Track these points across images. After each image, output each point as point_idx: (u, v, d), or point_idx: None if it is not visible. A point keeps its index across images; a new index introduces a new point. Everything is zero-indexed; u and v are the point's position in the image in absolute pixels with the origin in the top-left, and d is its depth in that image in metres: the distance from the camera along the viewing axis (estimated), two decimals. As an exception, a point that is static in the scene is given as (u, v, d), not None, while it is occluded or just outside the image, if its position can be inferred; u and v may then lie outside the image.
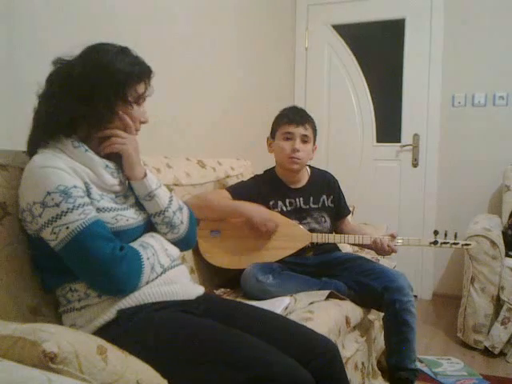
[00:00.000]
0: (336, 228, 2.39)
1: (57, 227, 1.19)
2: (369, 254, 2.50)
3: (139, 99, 1.36)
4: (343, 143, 4.04)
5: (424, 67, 3.80)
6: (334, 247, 2.31)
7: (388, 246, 2.10)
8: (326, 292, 1.97)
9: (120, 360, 0.95)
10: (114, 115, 1.32)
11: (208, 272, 2.17)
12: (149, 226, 1.43)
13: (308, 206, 2.25)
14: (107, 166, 1.34)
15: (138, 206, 1.42)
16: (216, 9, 2.96)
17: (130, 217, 1.35)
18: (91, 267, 1.22)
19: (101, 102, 1.28)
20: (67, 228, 1.19)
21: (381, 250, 2.13)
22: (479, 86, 3.65)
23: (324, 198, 2.30)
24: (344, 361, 1.55)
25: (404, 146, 3.91)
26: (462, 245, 2.14)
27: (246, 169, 2.75)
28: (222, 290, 2.11)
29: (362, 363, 2.10)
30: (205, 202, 2.10)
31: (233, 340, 1.22)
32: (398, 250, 2.17)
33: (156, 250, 1.36)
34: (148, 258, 1.31)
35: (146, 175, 1.40)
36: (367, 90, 4.01)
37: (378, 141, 4.03)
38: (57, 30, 1.87)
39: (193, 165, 2.35)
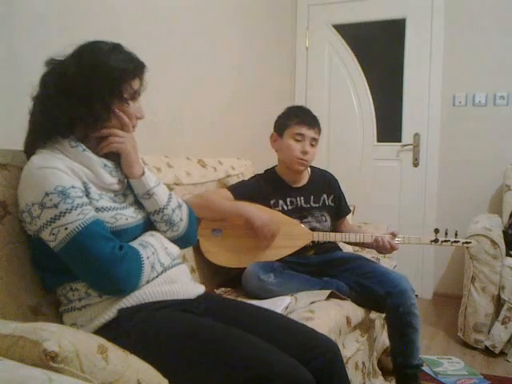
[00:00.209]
0: (335, 228, 2.39)
1: (56, 228, 1.19)
2: (369, 254, 2.50)
3: (135, 95, 1.36)
4: (344, 143, 4.04)
5: (425, 67, 3.80)
6: (335, 247, 2.31)
7: (389, 243, 2.10)
8: (327, 292, 1.97)
9: (121, 359, 0.95)
10: (110, 114, 1.32)
11: (209, 271, 2.17)
12: (148, 225, 1.43)
13: (309, 205, 2.25)
14: (105, 165, 1.33)
15: (138, 204, 1.42)
16: (216, 8, 2.96)
17: (129, 216, 1.35)
18: (91, 267, 1.22)
19: (97, 101, 1.28)
20: (66, 229, 1.19)
21: (382, 248, 2.12)
22: (480, 86, 3.65)
23: (325, 197, 2.30)
24: (344, 360, 1.54)
25: (404, 145, 3.91)
26: (463, 243, 2.14)
27: (246, 168, 2.75)
28: (223, 289, 2.11)
29: (363, 363, 2.10)
30: (206, 201, 2.10)
31: (233, 339, 1.22)
32: (399, 250, 2.17)
33: (156, 248, 1.36)
34: (148, 257, 1.31)
35: (144, 173, 1.40)
36: (368, 90, 4.01)
37: (379, 140, 4.02)
38: (57, 29, 1.87)
39: (193, 164, 2.35)
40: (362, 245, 2.25)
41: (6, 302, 1.26)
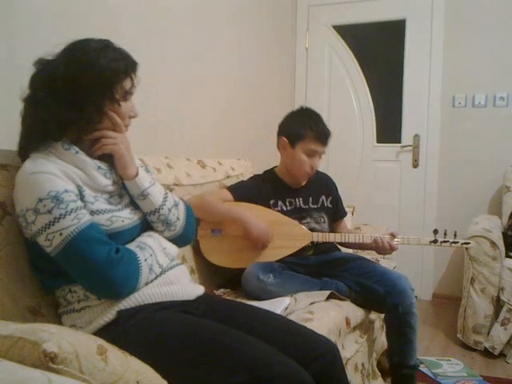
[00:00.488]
0: (333, 230, 2.39)
1: (50, 234, 1.18)
2: (369, 255, 2.50)
3: (126, 95, 1.34)
4: (343, 144, 4.03)
5: (424, 68, 3.81)
6: (334, 247, 2.31)
7: (388, 243, 2.10)
8: (327, 292, 1.97)
9: (120, 360, 0.95)
10: (102, 116, 1.30)
11: (208, 272, 2.16)
12: (146, 225, 1.42)
13: (307, 206, 2.25)
14: (99, 167, 1.32)
15: (134, 205, 1.41)
16: (216, 9, 2.96)
17: (125, 217, 1.34)
18: (87, 272, 1.22)
19: (88, 104, 1.26)
20: (61, 234, 1.18)
21: (381, 248, 2.12)
22: (480, 87, 3.65)
23: (323, 198, 2.30)
24: (344, 361, 1.55)
25: (404, 146, 3.91)
26: (462, 243, 2.14)
27: (246, 169, 2.74)
28: (222, 290, 2.11)
29: (362, 364, 2.10)
30: (204, 204, 2.09)
31: (233, 340, 1.22)
32: (398, 251, 2.17)
33: (154, 250, 1.35)
34: (146, 260, 1.30)
35: (138, 174, 1.38)
36: (367, 91, 4.02)
37: (379, 141, 4.03)
38: (57, 29, 1.87)
39: (193, 165, 2.35)
40: (362, 246, 2.25)
41: (5, 302, 1.25)
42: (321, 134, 2.17)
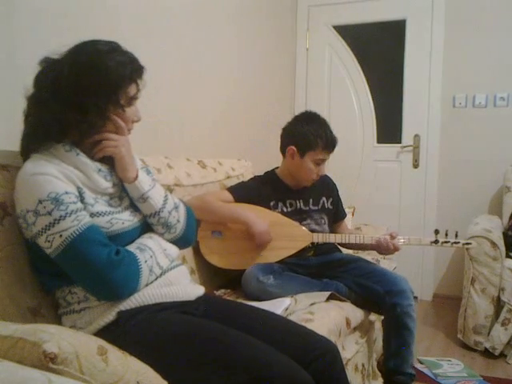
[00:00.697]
0: (333, 231, 2.39)
1: (50, 235, 1.18)
2: (369, 256, 2.50)
3: (131, 101, 1.33)
4: (344, 144, 3.97)
5: (425, 68, 3.80)
6: (334, 248, 2.31)
7: (392, 244, 2.10)
8: (327, 293, 1.97)
9: (120, 361, 0.95)
10: (105, 120, 1.29)
11: (208, 273, 2.16)
12: (146, 226, 1.42)
13: (308, 208, 2.25)
14: (100, 169, 1.32)
15: (134, 207, 1.40)
16: (216, 9, 2.96)
17: (125, 219, 1.34)
18: (88, 274, 1.21)
19: (91, 108, 1.25)
20: (61, 236, 1.18)
21: (385, 249, 2.12)
22: (480, 87, 3.65)
23: (324, 200, 2.30)
24: (344, 362, 1.55)
25: (405, 146, 3.91)
26: (463, 244, 2.14)
27: (246, 169, 2.74)
28: (223, 290, 2.11)
29: (363, 364, 2.10)
30: (204, 204, 2.09)
31: (233, 341, 1.22)
32: (399, 251, 2.17)
33: (154, 251, 1.34)
34: (146, 261, 1.30)
35: (137, 177, 1.37)
36: (368, 91, 4.01)
37: (379, 141, 4.03)
38: (57, 30, 1.87)
39: (193, 165, 2.35)
40: (363, 247, 2.25)
41: (5, 303, 1.25)
42: (330, 143, 2.16)
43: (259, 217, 2.09)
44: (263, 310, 1.51)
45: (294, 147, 2.18)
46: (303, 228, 2.17)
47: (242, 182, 2.36)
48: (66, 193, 1.21)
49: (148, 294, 1.30)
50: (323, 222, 2.26)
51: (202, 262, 2.13)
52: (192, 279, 1.53)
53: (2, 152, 1.38)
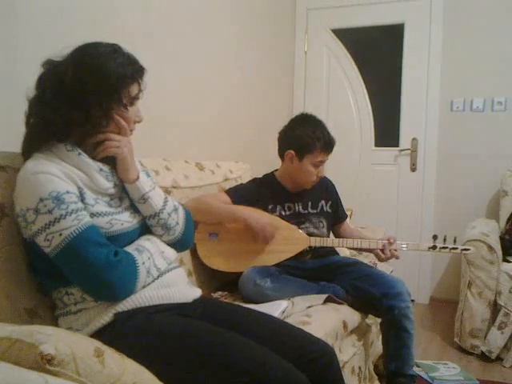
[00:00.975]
0: (335, 233, 2.39)
1: (50, 234, 1.19)
2: (366, 259, 2.51)
3: (133, 100, 1.34)
4: (342, 147, 4.01)
5: (423, 72, 3.82)
6: (331, 251, 2.31)
7: (389, 251, 2.10)
8: (324, 296, 1.97)
9: (117, 362, 0.95)
10: (108, 120, 1.30)
11: (206, 275, 2.16)
12: (145, 228, 1.42)
13: (306, 211, 2.25)
14: (101, 169, 1.32)
15: (134, 208, 1.41)
16: (216, 12, 2.96)
17: (124, 220, 1.34)
18: (85, 274, 1.22)
19: (94, 107, 1.26)
20: (60, 235, 1.18)
21: (381, 256, 2.12)
22: (478, 91, 3.66)
23: (323, 203, 2.30)
24: (341, 365, 1.55)
25: (402, 150, 3.92)
26: (461, 250, 2.14)
27: (244, 172, 2.74)
28: (220, 293, 2.11)
29: (359, 367, 2.10)
30: (203, 205, 2.10)
31: (230, 343, 1.22)
32: (398, 256, 2.17)
33: (152, 253, 1.35)
34: (143, 263, 1.30)
35: (138, 178, 1.38)
36: (366, 94, 4.02)
37: (377, 145, 4.03)
38: (57, 30, 1.87)
39: (191, 167, 2.35)
40: (361, 249, 2.26)
41: (2, 304, 1.25)
42: (328, 144, 2.16)
43: (258, 212, 2.09)
44: (260, 312, 1.51)
45: (292, 151, 2.17)
46: (300, 231, 2.17)
47: (241, 184, 2.36)
48: (67, 192, 1.21)
49: (145, 296, 1.30)
50: (322, 225, 2.27)
51: (199, 265, 2.13)
52: (189, 281, 1.53)
53: (1, 153, 1.38)
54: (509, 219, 3.22)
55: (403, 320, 2.02)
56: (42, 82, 1.29)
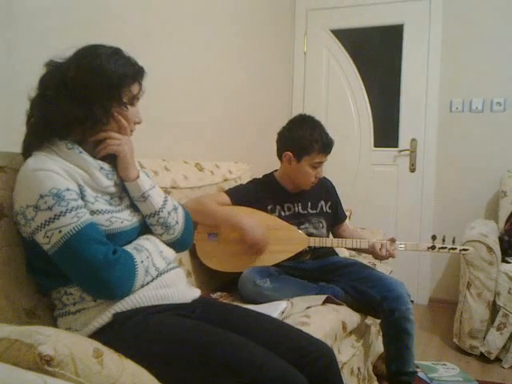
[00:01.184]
0: (335, 234, 2.39)
1: (49, 231, 1.19)
2: (366, 259, 2.51)
3: (133, 100, 1.36)
4: (341, 147, 4.01)
5: (422, 72, 3.82)
6: (331, 252, 2.31)
7: (387, 250, 2.10)
8: (323, 297, 1.97)
9: (116, 363, 0.95)
10: (109, 118, 1.32)
11: (205, 275, 2.16)
12: (144, 228, 1.43)
13: (306, 212, 2.25)
14: (102, 167, 1.33)
15: (133, 207, 1.42)
16: (215, 13, 2.96)
17: (124, 219, 1.35)
18: (84, 271, 1.22)
19: (96, 105, 1.28)
20: (60, 232, 1.19)
21: (379, 255, 2.13)
22: (477, 92, 3.66)
23: (322, 203, 2.30)
24: (340, 366, 1.55)
25: (402, 150, 3.92)
26: (460, 250, 2.14)
27: (244, 172, 2.75)
28: (219, 293, 2.11)
29: (358, 368, 2.10)
30: (201, 207, 2.10)
31: (229, 343, 1.22)
32: (395, 255, 2.17)
33: (151, 252, 1.35)
34: (142, 262, 1.30)
35: (139, 176, 1.40)
36: (365, 95, 4.03)
37: (376, 145, 4.04)
38: (56, 31, 1.87)
39: (191, 168, 2.35)
40: (360, 250, 2.26)
41: (1, 304, 1.25)
42: (326, 145, 2.15)
43: (256, 221, 2.08)
44: (259, 313, 1.51)
45: (290, 153, 2.17)
46: (300, 232, 2.17)
47: (241, 184, 2.36)
48: (68, 189, 1.22)
49: (144, 296, 1.30)
50: (321, 225, 2.27)
51: (198, 265, 2.13)
52: (188, 282, 1.53)
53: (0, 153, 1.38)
54: (508, 220, 3.22)
55: (404, 322, 2.02)
56: (44, 82, 1.31)
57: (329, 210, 2.32)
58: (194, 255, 2.13)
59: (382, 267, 2.50)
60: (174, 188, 2.14)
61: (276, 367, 1.18)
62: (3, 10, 1.69)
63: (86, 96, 1.27)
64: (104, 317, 1.25)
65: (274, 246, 2.11)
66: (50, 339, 0.89)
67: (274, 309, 1.79)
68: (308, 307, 1.88)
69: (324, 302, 1.95)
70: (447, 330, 3.14)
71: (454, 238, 2.17)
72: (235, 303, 1.89)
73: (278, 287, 1.98)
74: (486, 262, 2.74)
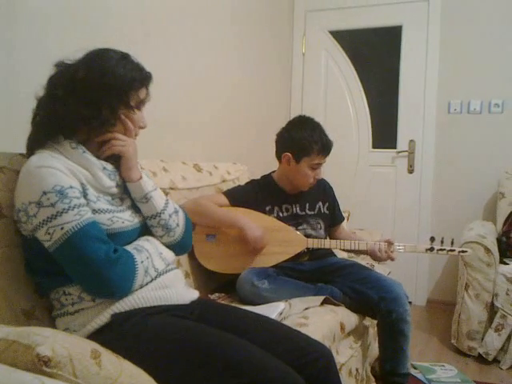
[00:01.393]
0: (331, 235, 2.39)
1: (51, 227, 1.19)
2: (364, 260, 2.51)
3: (140, 104, 1.39)
4: (339, 149, 3.99)
5: (420, 74, 3.82)
6: (329, 253, 2.31)
7: (386, 252, 2.11)
8: (321, 298, 1.97)
9: (114, 364, 0.95)
10: (116, 119, 1.34)
11: (203, 276, 2.16)
12: (144, 230, 1.43)
13: (304, 213, 2.25)
14: (104, 167, 1.34)
15: (134, 208, 1.43)
16: (214, 14, 2.97)
17: (125, 219, 1.36)
18: (85, 269, 1.22)
19: (104, 106, 1.30)
20: (62, 228, 1.19)
21: (377, 257, 2.13)
22: (475, 94, 3.67)
23: (320, 204, 2.30)
24: (338, 367, 1.55)
25: (400, 152, 3.92)
26: (459, 252, 2.14)
27: (242, 173, 2.75)
28: (217, 294, 2.11)
29: (356, 369, 2.10)
30: (200, 208, 2.10)
31: (227, 345, 1.22)
32: (394, 258, 2.17)
33: (151, 253, 1.36)
34: (142, 262, 1.31)
35: (141, 177, 1.41)
36: (363, 96, 4.03)
37: (374, 147, 4.04)
38: (57, 32, 1.87)
39: (189, 169, 2.35)
40: (358, 251, 2.26)
41: (0, 305, 1.25)
42: (325, 147, 2.15)
43: (254, 222, 2.09)
44: (257, 314, 1.51)
45: (289, 154, 2.17)
46: (298, 233, 2.17)
47: (239, 185, 2.36)
48: (71, 187, 1.23)
49: (142, 297, 1.30)
50: (319, 226, 2.27)
51: (196, 266, 2.13)
52: (187, 283, 1.53)
53: (-1, 154, 1.38)
54: (506, 221, 3.22)
55: (401, 324, 2.02)
56: (53, 81, 1.32)
57: (326, 211, 2.32)
58: (192, 256, 2.13)
59: (381, 268, 2.50)
60: (172, 189, 2.14)
61: (274, 368, 1.18)
62: (3, 9, 1.69)
63: (94, 97, 1.29)
64: (102, 317, 1.25)
65: (273, 247, 2.11)
66: (48, 340, 0.88)
67: (272, 310, 1.79)
68: (306, 308, 1.88)
69: (322, 303, 1.96)
70: (445, 331, 3.14)
71: (452, 240, 2.17)
72: (233, 304, 1.89)
73: (276, 288, 1.98)
74: (484, 263, 2.75)
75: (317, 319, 1.79)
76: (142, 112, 1.41)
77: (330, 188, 2.40)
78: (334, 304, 1.99)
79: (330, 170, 3.89)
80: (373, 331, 2.33)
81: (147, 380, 1.01)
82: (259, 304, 1.91)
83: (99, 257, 1.21)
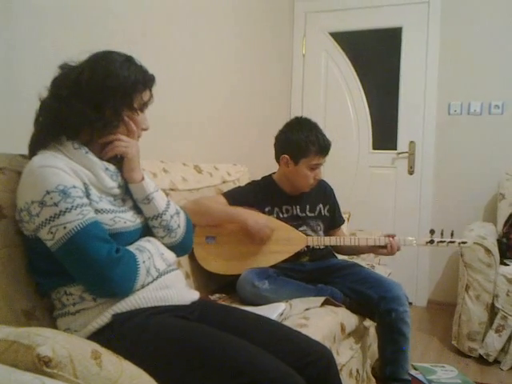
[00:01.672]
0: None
1: (54, 227, 1.20)
2: (364, 261, 2.51)
3: (143, 106, 1.40)
4: (339, 150, 4.02)
5: (420, 75, 3.83)
6: (329, 254, 2.31)
7: (390, 242, 2.11)
8: (322, 298, 1.97)
9: (115, 365, 0.95)
10: (119, 121, 1.34)
11: (203, 277, 2.16)
12: (146, 231, 1.44)
13: (304, 214, 2.25)
14: (107, 168, 1.35)
15: (136, 209, 1.43)
16: (215, 15, 2.97)
17: (127, 219, 1.36)
18: (87, 268, 1.22)
19: (108, 107, 1.30)
20: (64, 228, 1.19)
21: (380, 250, 2.13)
22: (475, 95, 3.67)
23: (320, 206, 2.30)
24: (338, 367, 1.54)
25: (400, 153, 3.92)
26: (459, 243, 2.14)
27: (242, 174, 2.75)
28: (218, 295, 2.11)
29: (357, 370, 2.10)
30: (200, 207, 2.10)
31: (228, 346, 1.22)
32: (394, 257, 2.17)
33: (152, 254, 1.36)
34: (144, 262, 1.31)
35: (143, 179, 1.42)
36: (364, 97, 4.03)
37: (374, 148, 4.04)
38: (56, 32, 1.87)
39: (189, 170, 2.35)
40: (359, 250, 2.25)
41: (0, 305, 1.25)
42: (323, 147, 2.15)
43: (255, 213, 2.09)
44: (258, 314, 1.51)
45: (287, 156, 2.18)
46: (298, 231, 2.17)
47: (239, 186, 2.36)
48: (74, 187, 1.23)
49: (143, 297, 1.30)
50: (319, 228, 2.27)
51: (196, 267, 2.13)
52: (187, 284, 1.53)
53: (-1, 155, 1.38)
54: (506, 222, 3.22)
55: (400, 324, 2.02)
56: (57, 83, 1.33)
57: (327, 214, 2.32)
58: (192, 257, 2.13)
59: (381, 269, 2.50)
60: (172, 190, 2.14)
61: (275, 369, 1.18)
62: (3, 9, 1.69)
63: (98, 99, 1.29)
64: (103, 317, 1.25)
65: (273, 246, 2.11)
66: (49, 340, 0.88)
67: (272, 310, 1.79)
68: (306, 309, 1.88)
69: (322, 304, 1.96)
70: (446, 332, 3.14)
71: (452, 232, 2.17)
72: (234, 305, 1.89)
73: (277, 289, 1.98)
74: (485, 264, 2.75)
75: (317, 320, 1.79)
76: (144, 114, 1.42)
77: (331, 190, 2.40)
78: (335, 305, 1.99)
79: (330, 171, 3.89)
80: (373, 332, 2.33)
81: (148, 380, 1.01)
82: (260, 305, 1.91)
83: (101, 256, 1.21)
